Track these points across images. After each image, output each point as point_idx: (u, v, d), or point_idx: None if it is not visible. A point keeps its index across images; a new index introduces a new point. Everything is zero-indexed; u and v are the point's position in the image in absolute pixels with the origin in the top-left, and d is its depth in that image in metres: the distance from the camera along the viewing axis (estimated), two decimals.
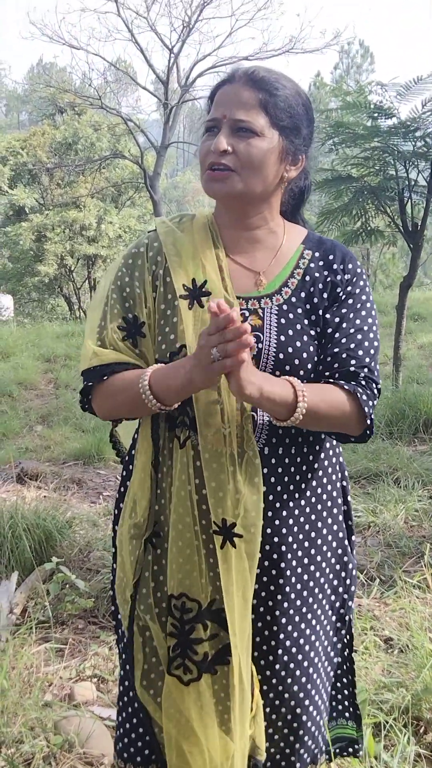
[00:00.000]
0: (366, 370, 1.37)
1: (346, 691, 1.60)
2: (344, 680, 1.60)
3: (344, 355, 1.38)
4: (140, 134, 17.35)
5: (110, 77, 19.08)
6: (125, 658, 1.51)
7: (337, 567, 1.51)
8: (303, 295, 1.41)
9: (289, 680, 1.45)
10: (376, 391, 1.38)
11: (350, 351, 1.38)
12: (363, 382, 1.37)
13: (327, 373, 1.39)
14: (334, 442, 1.50)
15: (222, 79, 1.42)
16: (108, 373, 1.40)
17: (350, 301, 1.41)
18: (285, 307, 1.40)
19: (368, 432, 1.40)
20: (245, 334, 1.17)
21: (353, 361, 1.37)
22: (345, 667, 1.59)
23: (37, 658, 2.59)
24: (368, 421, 1.37)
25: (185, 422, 1.40)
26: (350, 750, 1.63)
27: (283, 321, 1.38)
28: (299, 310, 1.40)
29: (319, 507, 1.46)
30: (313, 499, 1.45)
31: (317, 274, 1.42)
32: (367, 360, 1.38)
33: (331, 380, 1.37)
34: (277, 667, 1.44)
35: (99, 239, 18.45)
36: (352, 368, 1.37)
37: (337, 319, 1.40)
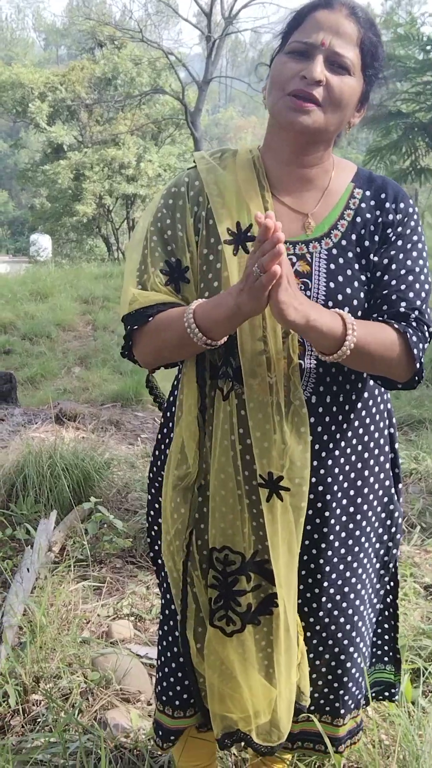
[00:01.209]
0: (417, 312, 1.30)
1: (387, 636, 1.60)
2: (386, 626, 1.59)
3: (394, 297, 1.30)
4: (181, 69, 16.95)
5: (151, 9, 18.55)
6: (166, 602, 1.51)
7: (383, 515, 1.48)
8: (354, 237, 1.32)
9: (333, 627, 1.44)
10: (427, 333, 1.31)
11: (400, 292, 1.30)
12: (414, 324, 1.29)
13: (376, 315, 1.32)
14: (382, 389, 1.44)
15: (316, 1, 1.28)
16: (152, 314, 1.33)
17: (400, 242, 1.33)
18: (335, 251, 1.31)
19: (417, 377, 1.33)
20: (277, 243, 1.09)
21: (403, 303, 1.30)
22: (388, 612, 1.58)
23: (75, 595, 2.63)
24: (417, 365, 1.30)
25: (228, 373, 1.34)
26: (386, 694, 1.63)
27: (332, 266, 1.30)
28: (350, 254, 1.32)
29: (366, 455, 1.42)
30: (360, 447, 1.40)
31: (368, 215, 1.33)
32: (418, 302, 1.30)
33: (381, 320, 1.31)
34: (321, 614, 1.43)
35: (138, 178, 18.23)
36: (402, 309, 1.29)
37: (385, 261, 1.32)
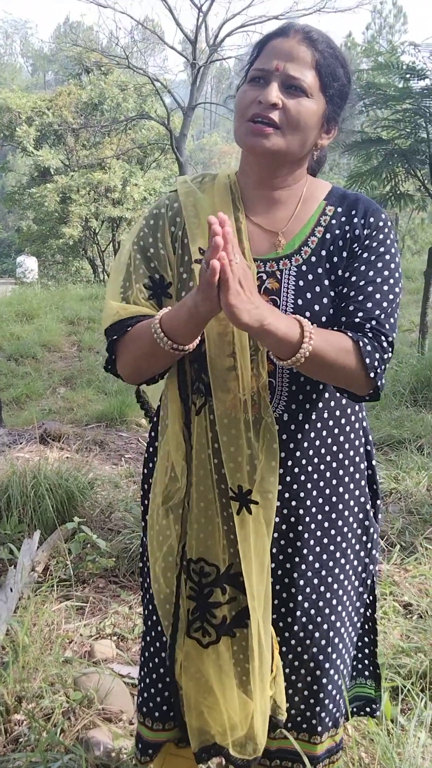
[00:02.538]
0: (373, 322, 1.29)
1: (366, 650, 1.60)
2: (365, 640, 1.59)
3: (351, 307, 1.30)
4: (167, 95, 17.12)
5: (137, 36, 18.78)
6: (148, 614, 1.52)
7: (359, 531, 1.49)
8: (323, 253, 1.35)
9: (308, 641, 1.44)
10: (385, 344, 1.29)
11: (358, 303, 1.30)
12: (369, 334, 1.29)
13: (335, 328, 1.32)
14: (357, 407, 1.46)
15: (273, 31, 1.35)
16: (131, 325, 1.36)
17: (365, 254, 1.34)
18: (304, 267, 1.34)
19: (377, 388, 1.32)
20: (216, 236, 1.11)
21: (360, 314, 1.30)
22: (367, 627, 1.58)
23: (58, 615, 2.62)
24: (372, 374, 1.28)
25: (201, 389, 1.37)
26: (367, 710, 1.63)
27: (301, 283, 1.33)
28: (319, 270, 1.34)
29: (341, 472, 1.43)
30: (334, 464, 1.42)
31: (338, 231, 1.35)
32: (377, 312, 1.30)
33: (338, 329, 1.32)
34: (296, 628, 1.44)
35: (124, 201, 18.33)
36: (357, 319, 1.29)
37: (347, 274, 1.33)
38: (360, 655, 1.60)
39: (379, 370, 1.29)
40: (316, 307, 1.32)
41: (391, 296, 1.33)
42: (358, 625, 1.56)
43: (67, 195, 18.14)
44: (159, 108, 18.20)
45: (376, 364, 1.28)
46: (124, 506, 3.53)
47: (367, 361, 1.27)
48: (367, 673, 1.61)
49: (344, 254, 1.35)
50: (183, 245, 1.39)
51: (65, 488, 3.44)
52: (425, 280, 7.18)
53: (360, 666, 1.61)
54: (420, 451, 4.36)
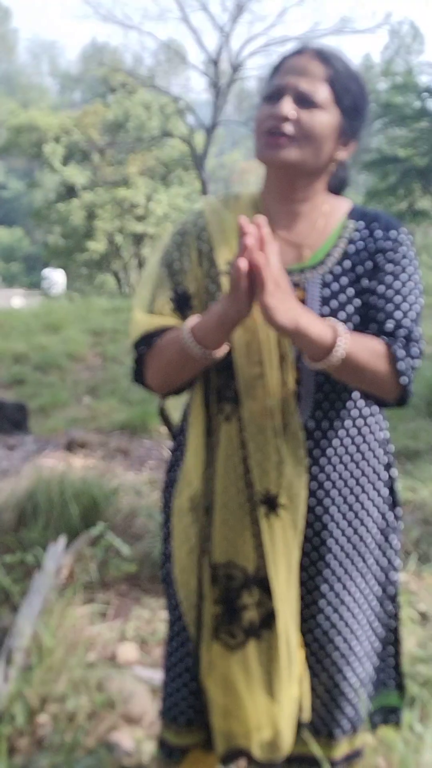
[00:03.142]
0: (405, 330, 1.33)
1: (390, 660, 1.59)
2: (389, 649, 1.59)
3: (382, 316, 1.34)
4: (190, 114, 17.29)
5: (162, 57, 19.03)
6: (173, 619, 1.53)
7: (380, 538, 1.50)
8: (347, 264, 1.38)
9: (329, 646, 1.45)
10: (416, 350, 1.33)
11: (388, 312, 1.34)
12: (403, 340, 1.32)
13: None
14: (379, 416, 1.48)
15: (289, 51, 1.39)
16: (159, 336, 1.39)
17: (390, 266, 1.37)
18: (329, 278, 1.37)
19: (405, 394, 1.34)
20: (245, 237, 1.15)
21: (391, 322, 1.34)
22: (390, 636, 1.58)
23: (82, 619, 2.63)
24: (403, 379, 1.31)
25: (230, 396, 1.40)
26: (392, 717, 1.62)
27: (326, 292, 1.36)
28: (344, 280, 1.37)
29: (364, 479, 1.45)
30: (358, 472, 1.44)
31: (361, 243, 1.39)
32: (405, 321, 1.34)
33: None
34: (317, 633, 1.44)
35: (147, 217, 18.54)
36: (389, 327, 1.33)
37: (374, 284, 1.37)
38: (384, 666, 1.59)
39: (410, 376, 1.32)
40: (342, 316, 1.35)
41: (418, 306, 1.36)
42: (380, 632, 1.55)
43: (93, 211, 18.38)
44: (182, 127, 18.42)
45: (407, 369, 1.31)
46: (146, 512, 3.54)
47: (399, 366, 1.30)
48: (392, 682, 1.60)
49: (369, 264, 1.38)
50: (210, 259, 1.42)
51: (90, 495, 3.46)
52: None
53: (384, 676, 1.60)
54: None
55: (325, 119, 1.33)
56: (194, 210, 1.51)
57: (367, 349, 1.29)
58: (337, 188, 1.49)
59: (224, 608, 1.41)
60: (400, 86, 6.72)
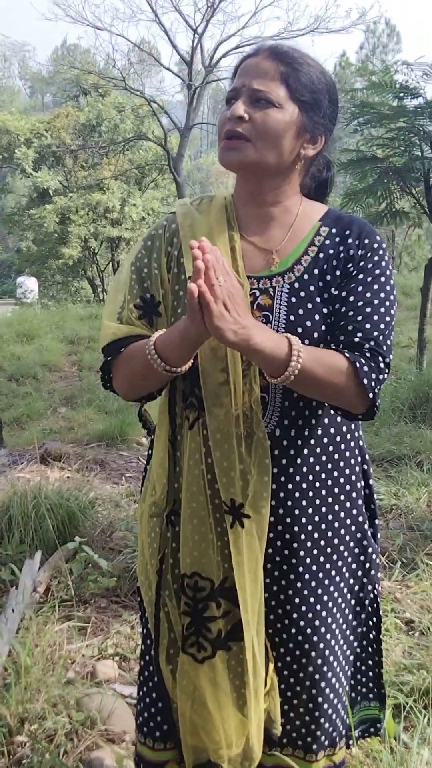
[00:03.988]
0: (372, 342, 1.31)
1: (371, 673, 1.59)
2: (369, 662, 1.59)
3: (350, 327, 1.33)
4: (164, 116, 17.27)
5: (134, 58, 18.94)
6: (146, 632, 1.53)
7: (356, 551, 1.50)
8: (316, 272, 1.37)
9: (304, 660, 1.44)
10: (382, 365, 1.32)
11: (356, 323, 1.33)
12: (367, 354, 1.31)
13: (332, 346, 1.34)
14: (353, 425, 1.47)
15: (247, 53, 1.41)
16: (124, 345, 1.41)
17: (361, 275, 1.36)
18: (297, 285, 1.37)
19: (373, 408, 1.34)
20: (196, 261, 1.16)
21: (359, 333, 1.32)
22: (371, 649, 1.58)
23: (60, 636, 2.62)
24: (370, 395, 1.30)
25: (194, 403, 1.40)
26: (371, 730, 1.62)
27: (293, 300, 1.36)
28: (311, 288, 1.37)
29: (336, 490, 1.44)
30: (329, 482, 1.43)
31: (332, 251, 1.38)
32: (375, 333, 1.32)
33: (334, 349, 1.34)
34: (291, 645, 1.44)
35: (123, 221, 18.43)
36: (356, 339, 1.32)
37: (344, 293, 1.36)
38: (364, 679, 1.59)
39: (376, 390, 1.31)
40: (308, 323, 1.35)
41: (387, 318, 1.35)
42: (356, 645, 1.55)
43: (66, 216, 18.23)
44: (156, 129, 18.35)
45: (373, 384, 1.30)
46: (125, 525, 3.54)
47: (365, 381, 1.29)
48: (371, 695, 1.60)
49: (337, 273, 1.37)
50: (179, 264, 1.42)
51: (66, 508, 3.45)
52: (422, 296, 7.22)
53: (364, 690, 1.60)
54: (419, 467, 4.37)
55: (280, 116, 1.33)
56: (168, 215, 1.51)
57: (325, 365, 1.28)
58: (320, 190, 1.50)
59: (192, 620, 1.41)
60: (377, 85, 6.76)
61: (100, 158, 19.38)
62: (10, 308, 16.35)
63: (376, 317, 1.34)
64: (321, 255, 1.39)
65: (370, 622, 1.56)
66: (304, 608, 1.43)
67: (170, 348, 1.30)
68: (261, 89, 1.33)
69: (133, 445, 5.56)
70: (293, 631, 1.43)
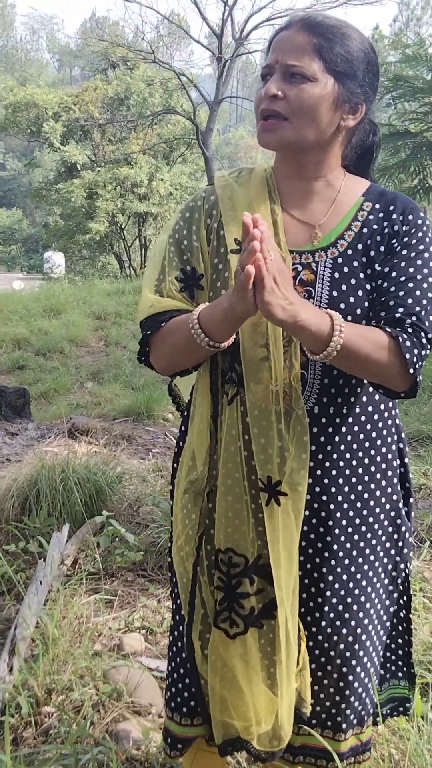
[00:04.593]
0: (414, 318, 1.29)
1: (400, 651, 1.58)
2: (399, 641, 1.58)
3: (392, 303, 1.31)
4: (193, 89, 17.09)
5: (163, 31, 18.75)
6: (176, 607, 1.53)
7: (390, 530, 1.48)
8: (360, 247, 1.35)
9: (336, 638, 1.43)
10: (424, 340, 1.29)
11: (398, 299, 1.30)
12: (409, 330, 1.28)
13: (373, 322, 1.33)
14: (390, 404, 1.45)
15: (279, 27, 1.37)
16: (165, 320, 1.38)
17: (404, 251, 1.34)
18: (340, 260, 1.34)
19: (415, 385, 1.31)
20: (253, 240, 1.13)
21: (401, 309, 1.30)
22: (401, 627, 1.57)
23: (87, 608, 2.64)
24: (412, 370, 1.28)
25: (233, 379, 1.38)
26: (401, 709, 1.61)
27: (336, 275, 1.33)
28: (355, 263, 1.34)
29: (372, 468, 1.43)
30: (366, 460, 1.42)
31: (375, 226, 1.36)
32: (417, 309, 1.30)
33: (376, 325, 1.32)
34: (324, 624, 1.43)
35: (150, 196, 18.39)
36: (398, 314, 1.29)
37: (387, 269, 1.34)
38: (393, 657, 1.58)
39: (418, 366, 1.29)
40: (351, 299, 1.32)
41: (430, 294, 1.32)
42: (388, 624, 1.54)
43: (94, 190, 18.23)
44: (185, 102, 18.19)
45: (415, 359, 1.28)
46: (152, 500, 3.54)
47: (407, 356, 1.27)
48: (400, 674, 1.59)
49: (382, 249, 1.35)
50: (219, 237, 1.40)
51: (93, 482, 3.46)
52: None
53: (393, 667, 1.59)
54: None
55: (316, 91, 1.29)
56: (206, 187, 1.49)
57: (368, 341, 1.26)
58: (367, 157, 1.45)
59: (225, 595, 1.40)
60: (411, 58, 6.61)
61: (128, 132, 19.30)
62: (37, 283, 16.45)
63: (418, 292, 1.31)
64: (365, 230, 1.36)
65: (401, 601, 1.55)
66: (337, 586, 1.42)
67: (214, 323, 1.28)
68: (295, 64, 1.29)
69: (160, 421, 5.56)
70: (326, 609, 1.42)
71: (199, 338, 1.30)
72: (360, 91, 1.34)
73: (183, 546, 1.45)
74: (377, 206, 1.38)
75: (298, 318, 1.20)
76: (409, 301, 1.31)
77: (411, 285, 1.32)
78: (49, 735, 2.03)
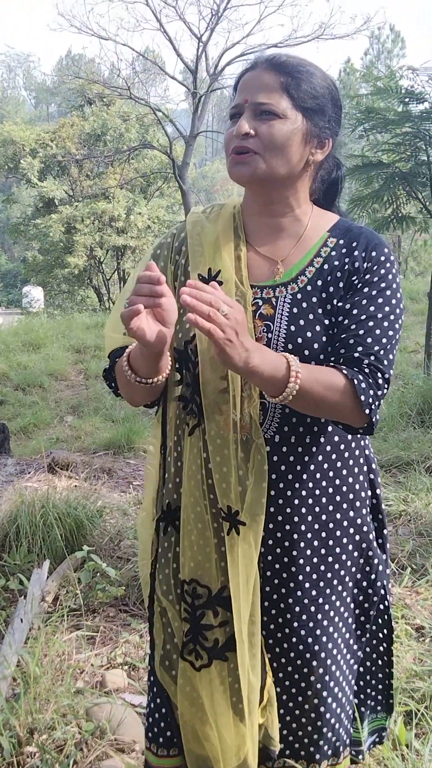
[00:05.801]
0: (372, 357, 1.30)
1: (380, 686, 1.58)
2: (380, 675, 1.57)
3: (351, 341, 1.31)
4: (169, 124, 17.30)
5: (139, 67, 19.01)
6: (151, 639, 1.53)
7: (361, 561, 1.48)
8: (319, 283, 1.36)
9: (305, 670, 1.42)
10: (381, 380, 1.30)
11: (358, 337, 1.31)
12: (366, 370, 1.30)
13: (332, 359, 1.33)
14: (358, 435, 1.45)
15: (245, 67, 1.41)
16: (119, 356, 1.42)
17: (366, 288, 1.35)
18: (299, 295, 1.36)
19: (372, 423, 1.33)
20: (154, 284, 1.18)
21: (360, 348, 1.30)
22: (381, 662, 1.56)
23: (69, 645, 2.62)
24: (367, 411, 1.29)
25: (194, 410, 1.39)
26: (377, 739, 1.62)
27: (295, 310, 1.35)
28: (314, 299, 1.36)
29: (338, 498, 1.42)
30: (330, 490, 1.42)
31: (336, 262, 1.37)
32: (376, 348, 1.31)
33: (333, 365, 1.33)
34: (292, 655, 1.42)
35: (128, 230, 18.53)
36: (356, 354, 1.30)
37: (348, 306, 1.34)
38: (374, 693, 1.58)
39: (374, 407, 1.30)
40: (308, 334, 1.34)
41: (390, 332, 1.34)
42: (360, 654, 1.53)
43: (72, 225, 18.33)
44: (161, 137, 18.43)
45: (371, 401, 1.29)
46: (133, 534, 3.53)
47: (362, 398, 1.28)
48: (379, 707, 1.59)
49: (341, 285, 1.36)
50: (186, 272, 1.43)
51: (74, 517, 3.44)
52: (429, 301, 7.21)
53: (373, 703, 1.59)
54: (428, 472, 4.35)
55: (287, 127, 1.33)
56: (179, 224, 1.52)
57: (323, 383, 1.27)
58: (332, 190, 1.49)
59: (190, 627, 1.40)
60: (382, 91, 6.78)
61: (106, 167, 19.48)
62: (16, 318, 16.42)
63: (378, 331, 1.32)
64: (326, 266, 1.38)
65: (381, 635, 1.55)
66: (304, 617, 1.42)
67: (136, 360, 1.33)
68: (265, 102, 1.33)
69: (140, 454, 5.55)
70: (294, 640, 1.42)
71: (128, 375, 1.34)
72: (327, 126, 1.38)
73: (145, 575, 1.50)
74: (341, 242, 1.39)
75: (250, 364, 1.20)
76: (369, 340, 1.31)
77: (371, 324, 1.32)
78: None
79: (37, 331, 11.53)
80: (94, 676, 2.50)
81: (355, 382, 1.28)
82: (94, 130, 19.08)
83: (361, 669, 1.55)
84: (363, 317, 1.33)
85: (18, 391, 8.51)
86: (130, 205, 18.55)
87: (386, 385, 1.32)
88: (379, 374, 1.30)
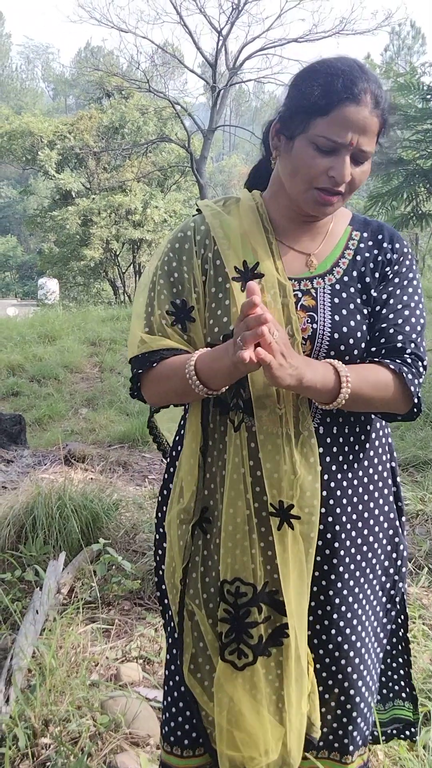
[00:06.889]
0: (412, 345, 1.37)
1: (401, 671, 1.58)
2: (399, 660, 1.58)
3: (391, 330, 1.37)
4: (187, 118, 17.32)
5: (158, 60, 19.01)
6: (172, 642, 1.52)
7: (389, 548, 1.50)
8: (355, 274, 1.40)
9: (342, 661, 1.43)
10: (422, 368, 1.37)
11: (397, 326, 1.37)
12: (409, 360, 1.36)
13: (374, 349, 1.38)
14: (383, 423, 1.49)
15: (343, 91, 1.27)
16: (156, 360, 1.39)
17: (397, 279, 1.41)
18: (338, 286, 1.39)
19: (416, 410, 1.39)
20: (262, 324, 1.15)
21: (400, 336, 1.37)
22: (400, 647, 1.57)
23: (84, 638, 2.62)
24: (415, 399, 1.37)
25: (239, 405, 1.38)
26: (406, 733, 1.61)
27: (336, 300, 1.37)
28: (352, 289, 1.39)
29: (371, 487, 1.45)
30: (366, 479, 1.44)
31: (368, 254, 1.42)
32: (414, 336, 1.38)
33: (377, 359, 1.37)
34: (330, 646, 1.43)
35: (144, 223, 18.54)
36: (398, 343, 1.36)
37: (384, 296, 1.40)
38: (395, 677, 1.59)
39: (419, 394, 1.37)
40: (352, 323, 1.36)
41: (422, 320, 1.40)
42: (385, 642, 1.54)
43: (88, 218, 18.37)
44: (179, 131, 18.43)
45: (417, 389, 1.36)
46: (148, 527, 3.53)
47: (411, 389, 1.35)
48: (403, 694, 1.59)
49: (376, 275, 1.41)
50: (215, 266, 1.41)
51: (90, 509, 3.45)
52: None
53: (396, 687, 1.59)
54: None
55: (369, 166, 1.35)
56: (193, 216, 1.49)
57: (371, 382, 1.32)
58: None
59: (231, 627, 1.39)
60: (403, 87, 6.73)
61: (123, 160, 19.50)
62: (31, 309, 16.48)
63: (413, 320, 1.38)
64: (358, 258, 1.41)
65: (399, 620, 1.56)
66: (344, 608, 1.42)
67: (213, 374, 1.31)
68: (368, 150, 1.31)
69: (156, 448, 5.55)
70: (333, 632, 1.42)
71: (197, 388, 1.32)
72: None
73: (172, 577, 1.46)
74: (365, 235, 1.44)
75: (303, 380, 1.24)
76: (407, 328, 1.37)
77: (407, 313, 1.38)
78: (47, 767, 2.01)
79: (53, 323, 11.57)
80: (109, 669, 2.50)
81: (403, 374, 1.34)
82: (112, 123, 19.09)
83: (382, 654, 1.56)
84: (399, 307, 1.39)
85: (33, 383, 8.55)
86: (146, 199, 18.56)
87: (425, 371, 1.38)
88: (419, 362, 1.37)
